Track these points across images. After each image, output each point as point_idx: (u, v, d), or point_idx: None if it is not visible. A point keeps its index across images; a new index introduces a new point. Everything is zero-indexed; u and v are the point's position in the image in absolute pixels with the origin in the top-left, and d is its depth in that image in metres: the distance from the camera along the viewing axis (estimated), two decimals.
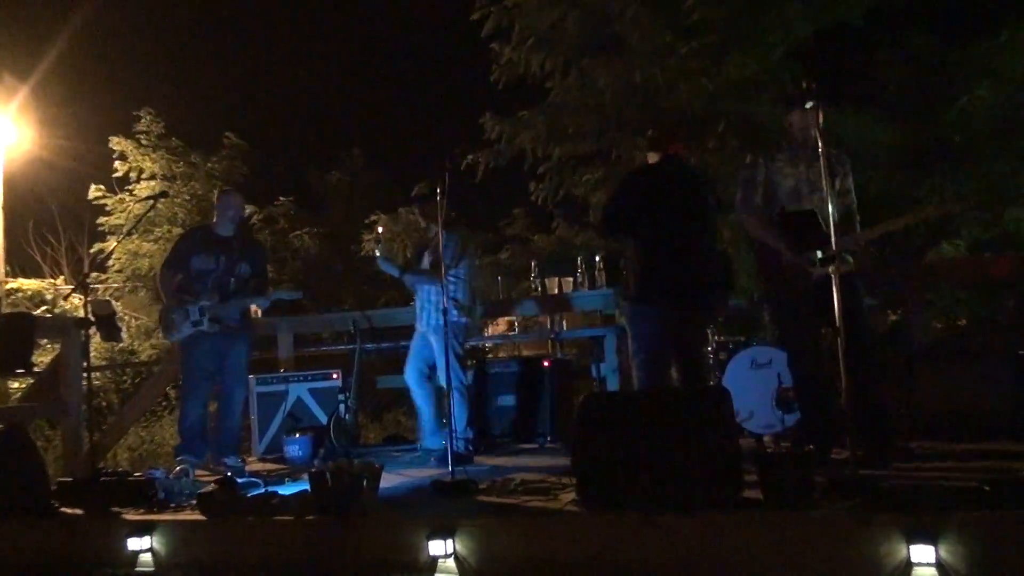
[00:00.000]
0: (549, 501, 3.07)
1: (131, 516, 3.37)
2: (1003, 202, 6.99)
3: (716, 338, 5.23)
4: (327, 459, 4.46)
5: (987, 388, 4.01)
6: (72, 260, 12.41)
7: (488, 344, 7.76)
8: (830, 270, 3.07)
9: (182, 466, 4.24)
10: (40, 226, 12.43)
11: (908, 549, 2.39)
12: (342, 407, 4.80)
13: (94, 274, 10.81)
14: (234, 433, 4.81)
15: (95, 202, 11.15)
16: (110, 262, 11.04)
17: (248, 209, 12.26)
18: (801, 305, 3.55)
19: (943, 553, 2.38)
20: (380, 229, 4.78)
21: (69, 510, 3.53)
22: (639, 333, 3.82)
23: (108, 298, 10.08)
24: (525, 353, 6.68)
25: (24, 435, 3.88)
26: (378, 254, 4.78)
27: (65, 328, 5.28)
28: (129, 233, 10.19)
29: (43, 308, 10.44)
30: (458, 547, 2.79)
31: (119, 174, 11.27)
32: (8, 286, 10.89)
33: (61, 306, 10.12)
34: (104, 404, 8.88)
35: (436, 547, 2.78)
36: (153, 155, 11.42)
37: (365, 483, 3.10)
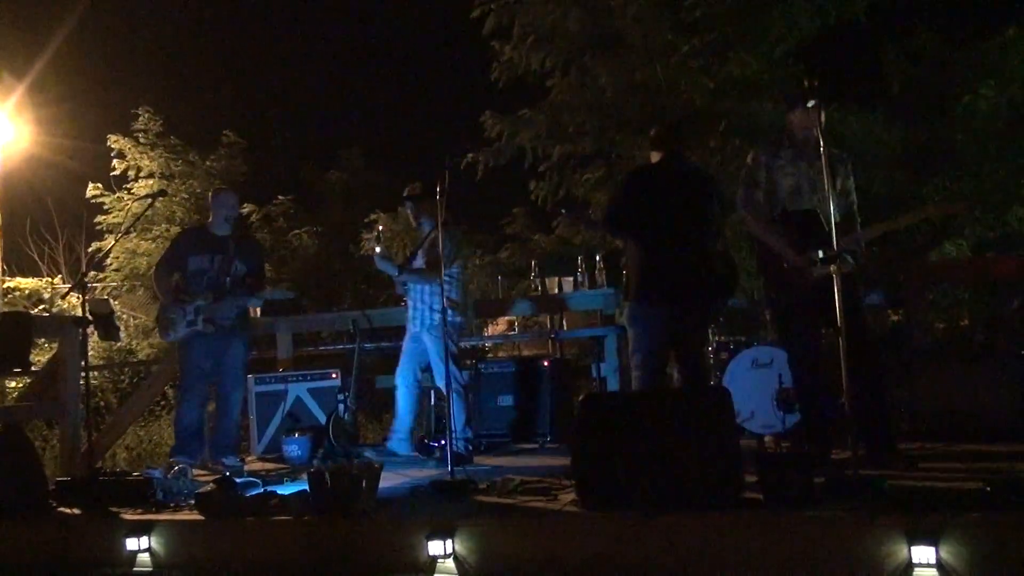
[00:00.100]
0: (549, 501, 3.07)
1: (129, 516, 3.35)
2: (1007, 201, 6.99)
3: (716, 338, 5.23)
4: (326, 459, 4.45)
5: (989, 389, 4.01)
6: (70, 259, 12.39)
7: (488, 344, 7.76)
8: (831, 270, 3.06)
9: (180, 466, 4.22)
10: (38, 224, 12.41)
11: (909, 550, 2.39)
12: (341, 407, 4.79)
13: (92, 273, 10.79)
14: (232, 433, 4.80)
15: (93, 200, 11.13)
16: (108, 261, 11.02)
17: (247, 208, 12.29)
18: (802, 305, 3.55)
19: (944, 554, 2.37)
20: (380, 227, 4.74)
21: (67, 510, 3.52)
22: (638, 333, 3.81)
23: (106, 297, 10.06)
24: (525, 353, 6.68)
25: (21, 435, 3.87)
26: (378, 250, 4.75)
27: (63, 327, 5.26)
28: (127, 232, 10.17)
29: (41, 307, 10.42)
30: (457, 547, 2.79)
31: (117, 172, 11.25)
32: (6, 285, 10.87)
33: (59, 305, 10.10)
34: (102, 403, 8.86)
35: (435, 547, 2.77)
36: (151, 153, 11.40)
37: (364, 483, 3.09)
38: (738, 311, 5.65)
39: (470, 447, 4.55)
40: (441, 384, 4.56)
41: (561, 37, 7.77)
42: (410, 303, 4.67)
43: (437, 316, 4.49)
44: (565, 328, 6.01)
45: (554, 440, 5.06)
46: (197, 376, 4.68)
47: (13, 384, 8.21)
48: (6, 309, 9.99)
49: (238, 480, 3.56)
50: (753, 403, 4.57)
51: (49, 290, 10.86)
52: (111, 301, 8.47)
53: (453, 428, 4.55)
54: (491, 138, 8.11)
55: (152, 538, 3.17)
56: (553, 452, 4.78)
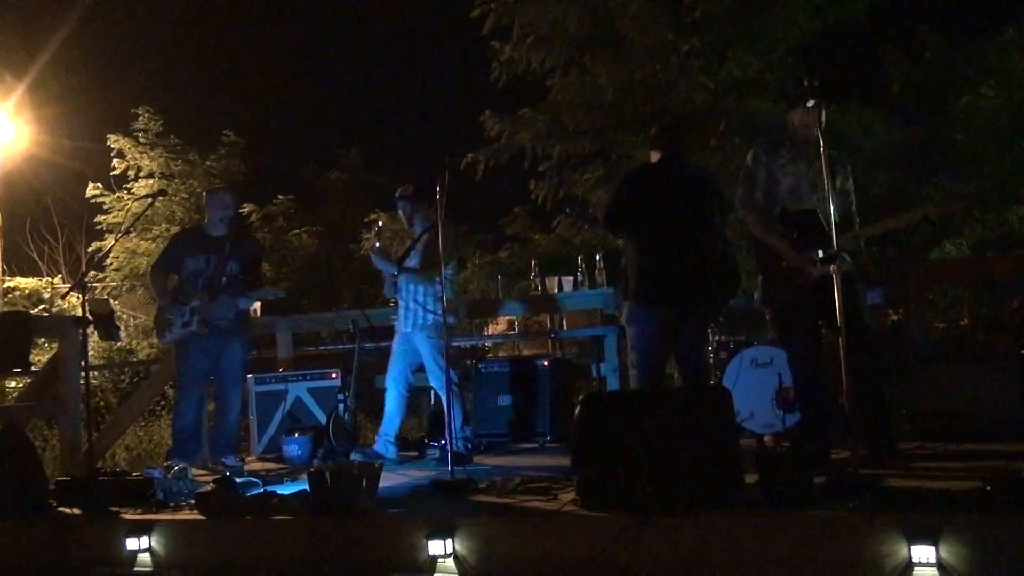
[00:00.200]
0: (549, 501, 3.07)
1: (129, 516, 3.35)
2: (1007, 201, 6.99)
3: (716, 338, 5.23)
4: (326, 459, 4.45)
5: (989, 389, 4.01)
6: (70, 258, 12.38)
7: (488, 343, 7.75)
8: (831, 269, 3.06)
9: (179, 465, 4.22)
10: (38, 224, 12.41)
11: (909, 549, 2.39)
12: (341, 406, 4.79)
13: (92, 273, 10.78)
14: (231, 433, 4.79)
15: (93, 200, 11.13)
16: (108, 260, 11.02)
17: (247, 207, 12.29)
18: (801, 305, 3.55)
19: (944, 553, 2.37)
20: (380, 224, 4.69)
21: (67, 509, 3.52)
22: (636, 332, 3.82)
23: (106, 297, 10.06)
24: (525, 352, 6.68)
25: (21, 434, 3.87)
26: (377, 244, 4.72)
27: (63, 327, 5.26)
28: (127, 231, 10.17)
29: (41, 307, 10.41)
30: (458, 547, 2.79)
31: (117, 172, 11.25)
32: (6, 285, 10.87)
33: (59, 305, 10.09)
34: (102, 403, 8.85)
35: (435, 547, 2.77)
36: (151, 153, 11.40)
37: (364, 483, 3.09)
38: (738, 310, 5.65)
39: (469, 446, 4.55)
40: (435, 384, 4.56)
41: (561, 37, 7.77)
42: (401, 303, 4.60)
43: (431, 316, 4.49)
44: (565, 327, 6.01)
45: (554, 440, 5.06)
46: (194, 377, 4.67)
47: (13, 384, 8.20)
48: (6, 309, 9.99)
49: (238, 480, 3.56)
50: (753, 403, 4.57)
51: (49, 290, 10.85)
52: (111, 301, 8.46)
53: (451, 428, 4.56)
54: (491, 138, 8.11)
55: (152, 538, 3.17)
56: (553, 452, 4.78)
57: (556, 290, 5.59)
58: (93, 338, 6.66)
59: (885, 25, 7.95)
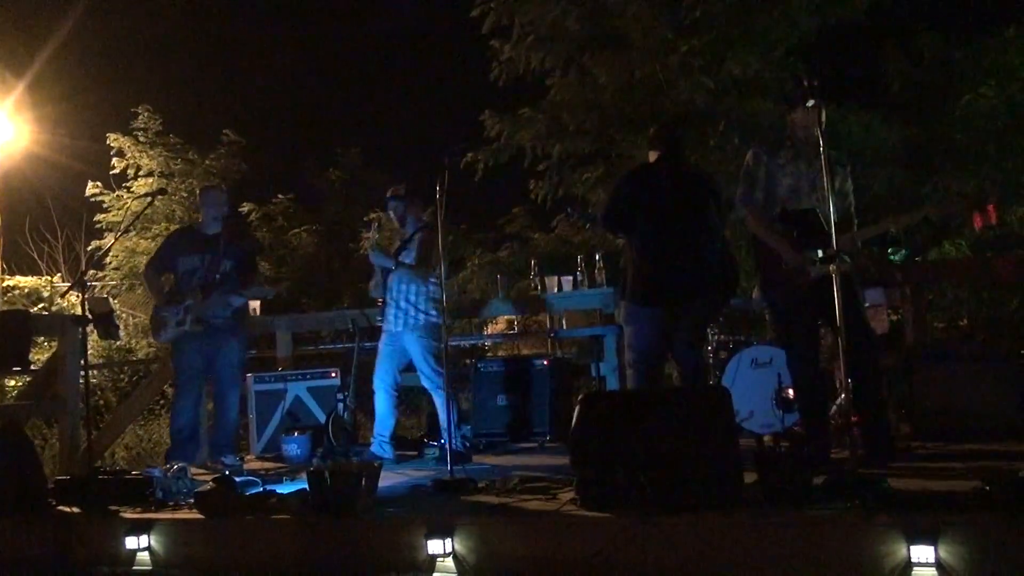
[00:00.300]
0: (548, 500, 3.06)
1: (129, 515, 3.35)
2: (1006, 201, 6.99)
3: (716, 337, 5.23)
4: (325, 458, 4.45)
5: (989, 389, 4.00)
6: (69, 257, 12.38)
7: (488, 343, 7.75)
8: (831, 269, 3.06)
9: (179, 464, 4.21)
10: (37, 223, 12.40)
11: (908, 549, 2.39)
12: (341, 406, 4.79)
13: (91, 271, 10.78)
14: (230, 432, 4.77)
15: (92, 199, 11.13)
16: (107, 259, 11.01)
17: (246, 206, 12.29)
18: (800, 304, 3.55)
19: (943, 553, 2.37)
20: (381, 220, 4.68)
21: (66, 508, 3.52)
22: (633, 332, 3.82)
23: (106, 295, 10.05)
24: (524, 352, 6.68)
25: (21, 433, 3.86)
26: (376, 236, 4.70)
27: (62, 326, 5.25)
28: (127, 230, 10.17)
29: (40, 305, 10.40)
30: (457, 546, 2.79)
31: (116, 171, 11.25)
32: (5, 283, 10.86)
33: (58, 304, 10.09)
34: (101, 402, 8.85)
35: (435, 546, 2.77)
36: (151, 152, 11.40)
37: (363, 482, 3.09)
38: (738, 310, 5.65)
39: (467, 444, 4.55)
40: (427, 384, 4.56)
41: (561, 36, 7.77)
42: (391, 303, 4.58)
43: (423, 316, 4.49)
44: (565, 327, 6.01)
45: (553, 439, 5.06)
46: (190, 376, 4.64)
47: (12, 383, 8.20)
48: (5, 308, 9.98)
49: (237, 479, 3.56)
50: (752, 403, 4.57)
51: (48, 289, 10.84)
52: (110, 300, 8.46)
53: (443, 427, 4.57)
54: (491, 137, 8.11)
55: (151, 537, 3.17)
56: (552, 451, 4.78)
57: (556, 289, 5.60)
58: (92, 337, 6.66)
59: (885, 25, 7.95)
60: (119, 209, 11.02)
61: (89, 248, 11.56)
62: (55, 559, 3.30)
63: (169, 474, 3.74)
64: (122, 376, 9.59)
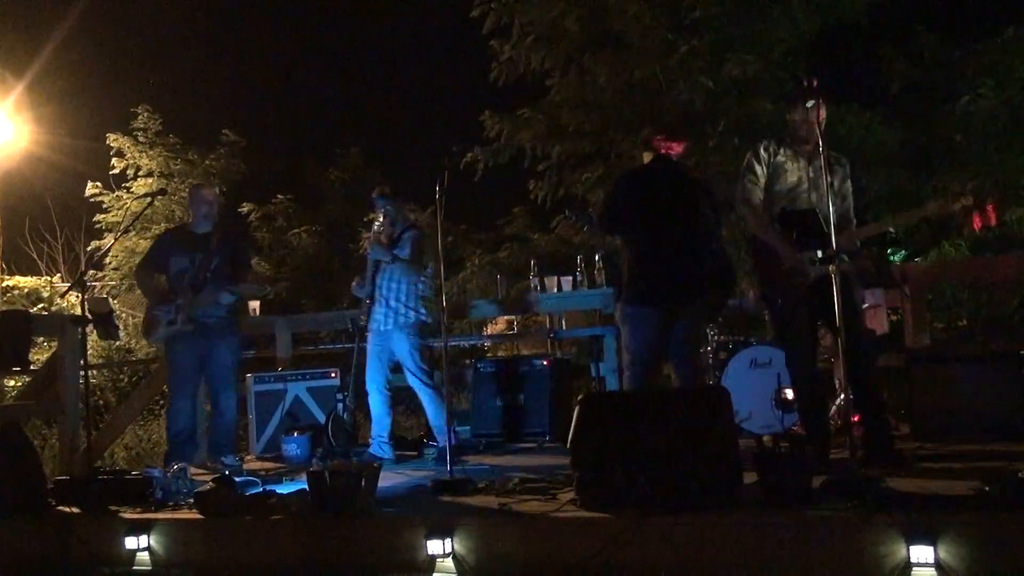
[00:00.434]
0: (547, 501, 3.07)
1: (128, 515, 3.35)
2: (1006, 202, 6.99)
3: (716, 338, 5.23)
4: (325, 458, 4.45)
5: (988, 389, 4.00)
6: (69, 257, 12.38)
7: (487, 343, 7.75)
8: (830, 269, 3.07)
9: (179, 464, 4.21)
10: (37, 223, 12.40)
11: (907, 549, 2.39)
12: (340, 406, 4.79)
13: (91, 272, 10.77)
14: (227, 432, 4.73)
15: (92, 199, 11.13)
16: (107, 259, 11.02)
17: (246, 207, 12.29)
18: (799, 304, 3.55)
19: (942, 553, 2.38)
20: (384, 217, 4.65)
21: (66, 509, 3.52)
22: (630, 333, 3.83)
23: (105, 296, 10.06)
24: (524, 352, 6.69)
25: (20, 433, 3.86)
26: (377, 227, 4.67)
27: (62, 326, 5.25)
28: (126, 230, 10.16)
29: (40, 306, 10.40)
30: (456, 546, 2.79)
31: (116, 171, 11.25)
32: (5, 283, 10.86)
33: (58, 304, 10.09)
34: (101, 402, 8.85)
35: (434, 546, 2.77)
36: (150, 152, 11.40)
37: (363, 482, 3.09)
38: (738, 311, 5.65)
39: (458, 439, 4.56)
40: (411, 382, 4.57)
41: (560, 36, 7.77)
42: (380, 301, 4.58)
43: (413, 314, 4.52)
44: (564, 327, 6.01)
45: (553, 439, 5.05)
46: (183, 377, 4.61)
47: (12, 383, 8.20)
48: (5, 308, 9.98)
49: (237, 479, 3.56)
50: (752, 403, 4.57)
51: (48, 289, 10.84)
52: (110, 300, 8.47)
53: (433, 425, 4.58)
54: (491, 137, 8.11)
55: (151, 537, 3.18)
56: (552, 451, 4.77)
57: (556, 290, 5.60)
58: (92, 337, 6.65)
59: (885, 25, 7.95)
60: (119, 209, 11.02)
61: (89, 248, 11.57)
62: (55, 559, 3.30)
63: (169, 474, 3.74)
64: (122, 376, 9.59)
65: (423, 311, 4.57)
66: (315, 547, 3.01)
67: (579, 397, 3.18)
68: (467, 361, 6.05)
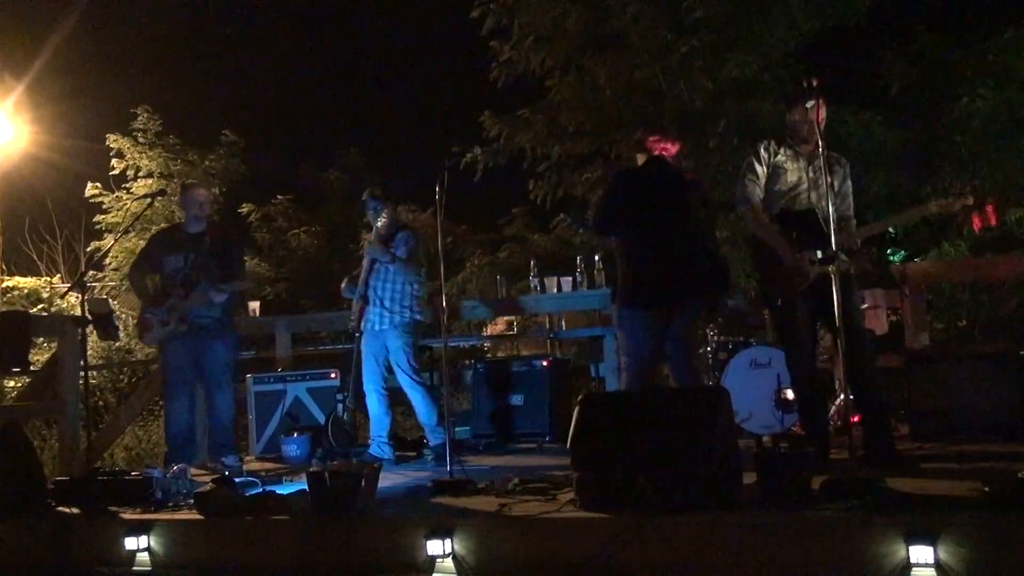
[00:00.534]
0: (547, 501, 3.07)
1: (128, 515, 3.35)
2: (1006, 202, 6.99)
3: (716, 338, 5.23)
4: (325, 459, 4.45)
5: (988, 389, 4.00)
6: (69, 258, 12.38)
7: (487, 343, 7.75)
8: (830, 270, 3.07)
9: (179, 465, 4.20)
10: (36, 224, 12.39)
11: (907, 549, 2.39)
12: (340, 406, 4.79)
13: (91, 272, 10.77)
14: (225, 433, 4.71)
15: (92, 200, 11.12)
16: (107, 260, 11.01)
17: (246, 207, 12.29)
18: (798, 305, 3.55)
19: (942, 554, 2.37)
20: (384, 217, 4.64)
21: (66, 509, 3.52)
22: (625, 335, 3.84)
23: (105, 296, 10.05)
24: (524, 353, 6.68)
25: (20, 434, 3.86)
26: (379, 224, 4.65)
27: (62, 327, 5.25)
28: (126, 231, 10.16)
29: (39, 306, 10.40)
30: (456, 547, 2.79)
31: (116, 172, 11.24)
32: (5, 284, 10.86)
33: (58, 304, 10.09)
34: (101, 403, 8.85)
35: (434, 547, 2.77)
36: (150, 153, 11.40)
37: (363, 483, 3.09)
38: (738, 311, 5.65)
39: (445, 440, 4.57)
40: (401, 381, 4.59)
41: (560, 37, 7.77)
42: (374, 302, 4.59)
43: (408, 312, 4.55)
44: (564, 328, 6.01)
45: (552, 440, 5.06)
46: (178, 378, 4.59)
47: (12, 383, 8.20)
48: (5, 308, 9.98)
49: (237, 480, 3.56)
50: (752, 404, 4.57)
51: (48, 289, 10.84)
52: (110, 301, 8.47)
53: (421, 422, 4.59)
54: (490, 138, 8.11)
55: (151, 537, 3.17)
56: (552, 452, 4.78)
57: (556, 290, 5.60)
58: (92, 338, 6.65)
59: (884, 26, 7.95)
60: (118, 210, 11.01)
61: (88, 249, 11.57)
62: (55, 560, 3.30)
63: (169, 475, 3.74)
64: (121, 377, 9.59)
65: (418, 311, 4.59)
66: (315, 547, 3.01)
67: (579, 397, 3.18)
68: (467, 361, 6.05)
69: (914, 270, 5.22)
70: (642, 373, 3.76)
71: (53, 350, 5.73)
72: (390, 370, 4.65)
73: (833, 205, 3.12)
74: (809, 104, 3.30)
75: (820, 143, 3.16)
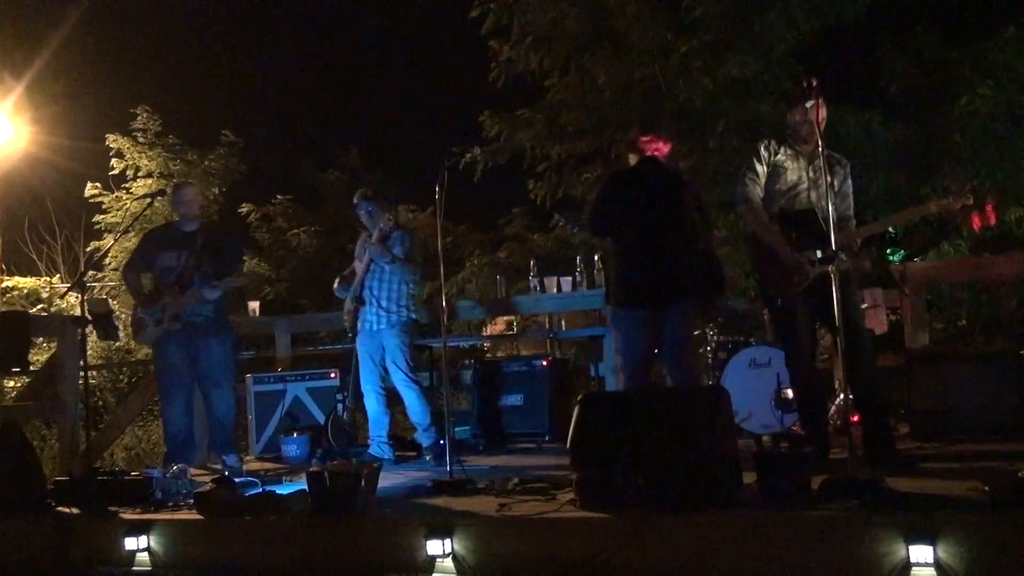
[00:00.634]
0: (547, 501, 3.07)
1: (128, 515, 3.36)
2: (1006, 202, 7.00)
3: (716, 338, 5.23)
4: (325, 459, 4.45)
5: (988, 389, 4.01)
6: (68, 258, 12.35)
7: (487, 343, 7.75)
8: (829, 269, 3.07)
9: (179, 464, 4.20)
10: (36, 224, 12.38)
11: (907, 549, 2.39)
12: (340, 406, 4.79)
13: (90, 272, 10.75)
14: (224, 430, 4.67)
15: (91, 200, 11.11)
16: (107, 260, 11.00)
17: (245, 207, 12.29)
18: (798, 304, 3.55)
19: (942, 553, 2.37)
20: (389, 216, 4.63)
21: (65, 509, 3.52)
22: (620, 335, 3.84)
23: (105, 296, 10.05)
24: (524, 352, 6.68)
25: (20, 434, 3.86)
26: (383, 226, 4.66)
27: (61, 327, 5.25)
28: (126, 231, 10.15)
29: (39, 306, 10.40)
30: (456, 547, 2.79)
31: (115, 172, 11.23)
32: (4, 284, 10.85)
33: (57, 304, 10.08)
34: (100, 403, 8.85)
35: (434, 547, 2.77)
36: (150, 153, 11.38)
37: (363, 482, 3.09)
38: (738, 311, 5.66)
39: (440, 441, 4.58)
40: (396, 380, 4.60)
41: (560, 37, 7.77)
42: (370, 302, 4.59)
43: (405, 312, 4.57)
44: (564, 328, 6.01)
45: (552, 440, 5.06)
46: (174, 378, 4.54)
47: (12, 384, 8.20)
48: (5, 308, 9.98)
49: (237, 480, 3.56)
50: (751, 403, 4.57)
51: (47, 289, 10.83)
52: (110, 301, 8.47)
53: (414, 422, 4.60)
54: (490, 138, 8.11)
55: (151, 537, 3.18)
56: (551, 452, 4.78)
57: (556, 290, 5.60)
58: (92, 338, 6.65)
59: (884, 25, 7.96)
60: (118, 210, 11.00)
61: (88, 249, 11.55)
62: (54, 559, 3.30)
63: (168, 475, 3.74)
64: (121, 377, 9.59)
65: (414, 310, 4.62)
66: (315, 547, 3.01)
67: (579, 397, 3.18)
68: (467, 361, 6.05)
69: (914, 270, 5.22)
70: (638, 373, 3.76)
71: (53, 350, 5.73)
72: (388, 370, 4.66)
73: (833, 205, 3.12)
74: (809, 104, 3.30)
75: (820, 143, 3.16)
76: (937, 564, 2.36)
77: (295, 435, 4.98)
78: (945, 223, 7.03)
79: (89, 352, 5.40)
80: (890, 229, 4.67)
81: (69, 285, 9.79)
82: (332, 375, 5.48)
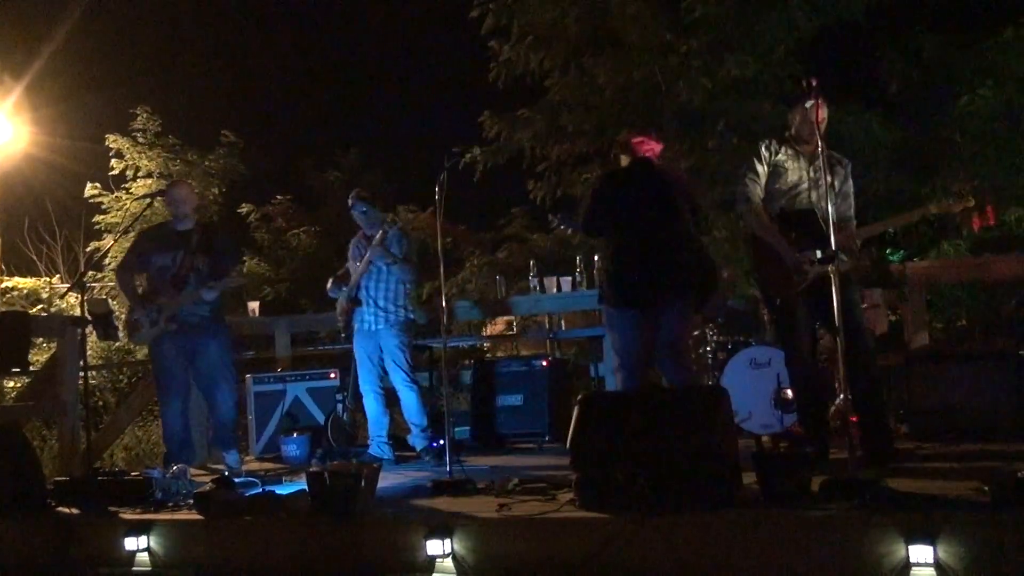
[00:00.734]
0: (547, 501, 3.07)
1: (128, 515, 3.35)
2: (1005, 202, 7.00)
3: (716, 338, 5.23)
4: (325, 459, 4.45)
5: (987, 388, 4.01)
6: (68, 258, 12.35)
7: (486, 343, 7.75)
8: (829, 269, 3.07)
9: (179, 464, 4.20)
10: (36, 224, 12.37)
11: (907, 549, 2.39)
12: (340, 406, 4.79)
13: (90, 272, 10.74)
14: (225, 429, 4.65)
15: (91, 200, 11.11)
16: (106, 260, 10.99)
17: (245, 207, 12.29)
18: (798, 304, 3.55)
19: (942, 553, 2.38)
20: (391, 219, 4.64)
21: (65, 509, 3.52)
22: (615, 336, 3.84)
23: (104, 297, 10.03)
24: (523, 353, 6.69)
25: (20, 434, 3.87)
26: (386, 227, 4.65)
27: (61, 327, 5.25)
28: (126, 231, 10.13)
29: (39, 307, 10.39)
30: (456, 547, 2.79)
31: (115, 172, 11.23)
32: (4, 284, 10.85)
33: (57, 305, 10.07)
34: (100, 403, 8.84)
35: (434, 547, 2.77)
36: (150, 153, 11.38)
37: (363, 483, 3.09)
38: (737, 311, 5.65)
39: (435, 443, 4.60)
40: (394, 380, 4.61)
41: (559, 36, 7.77)
42: (367, 302, 4.60)
43: (403, 311, 4.59)
44: (564, 328, 6.02)
45: (552, 440, 5.06)
46: (170, 378, 4.52)
47: (12, 384, 8.19)
48: (4, 309, 9.98)
49: (236, 480, 3.57)
50: (751, 403, 4.57)
51: (47, 290, 10.82)
52: (109, 301, 8.43)
53: (411, 422, 4.60)
54: (490, 138, 8.11)
55: (151, 538, 3.17)
56: (551, 452, 4.78)
57: (555, 290, 5.61)
58: (91, 338, 6.65)
59: (883, 26, 7.96)
60: (118, 210, 11.00)
61: (88, 249, 11.54)
62: (54, 560, 3.30)
63: (168, 475, 3.74)
64: (121, 377, 9.58)
65: (411, 310, 4.63)
66: (315, 547, 3.01)
67: (579, 397, 3.18)
68: (466, 361, 6.05)
69: (914, 270, 5.22)
70: (634, 372, 3.76)
71: (53, 350, 5.72)
72: (387, 370, 4.66)
73: (833, 205, 3.12)
74: (809, 104, 3.30)
75: (820, 143, 3.16)
76: (937, 564, 2.37)
77: (295, 435, 4.98)
78: (945, 223, 7.04)
79: (89, 352, 5.40)
80: (890, 229, 4.67)
81: (69, 285, 9.77)
82: (332, 375, 5.48)
